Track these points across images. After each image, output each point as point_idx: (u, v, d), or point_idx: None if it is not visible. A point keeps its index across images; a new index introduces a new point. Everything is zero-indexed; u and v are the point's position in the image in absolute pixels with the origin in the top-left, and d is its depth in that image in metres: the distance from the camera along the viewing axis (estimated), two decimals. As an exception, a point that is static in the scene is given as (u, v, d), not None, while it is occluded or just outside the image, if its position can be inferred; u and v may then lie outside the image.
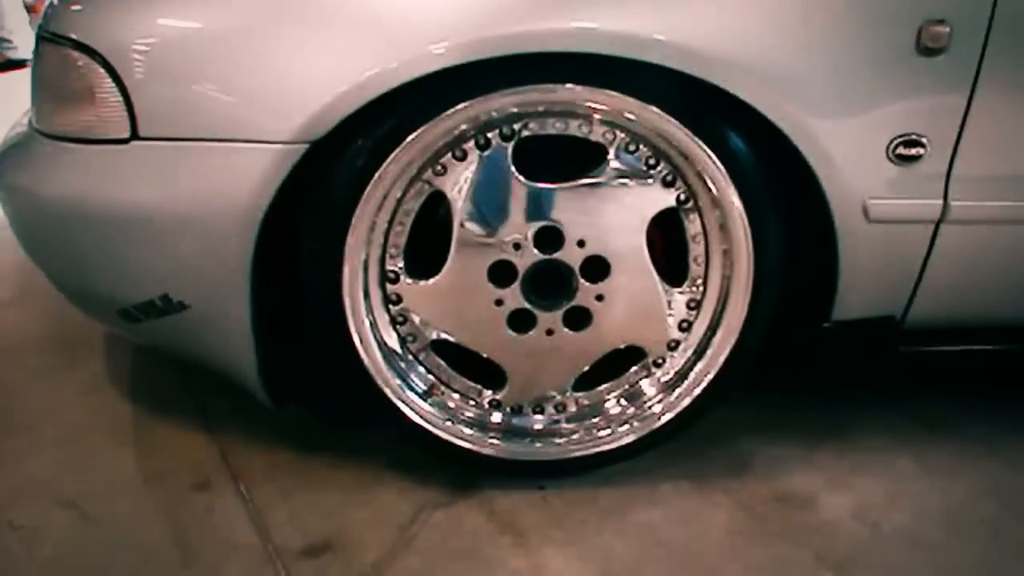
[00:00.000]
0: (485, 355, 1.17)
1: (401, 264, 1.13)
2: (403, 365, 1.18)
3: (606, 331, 1.16)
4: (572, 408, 1.22)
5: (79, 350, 1.63)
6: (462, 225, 1.09)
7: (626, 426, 1.22)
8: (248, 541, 1.18)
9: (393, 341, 1.17)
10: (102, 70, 1.10)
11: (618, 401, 1.21)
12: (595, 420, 1.21)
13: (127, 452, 1.35)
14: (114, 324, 1.34)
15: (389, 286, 1.14)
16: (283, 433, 1.38)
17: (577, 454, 1.22)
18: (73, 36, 1.12)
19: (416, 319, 1.15)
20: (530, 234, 1.09)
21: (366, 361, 1.15)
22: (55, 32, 1.16)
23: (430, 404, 1.20)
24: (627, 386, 1.22)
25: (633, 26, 0.98)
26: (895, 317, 1.22)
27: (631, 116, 1.04)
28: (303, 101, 1.01)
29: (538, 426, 1.22)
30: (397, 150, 1.03)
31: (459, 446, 1.20)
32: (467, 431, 1.20)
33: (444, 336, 1.16)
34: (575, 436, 1.22)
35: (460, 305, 1.14)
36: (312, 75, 1.01)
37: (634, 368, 1.21)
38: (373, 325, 1.14)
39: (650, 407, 1.21)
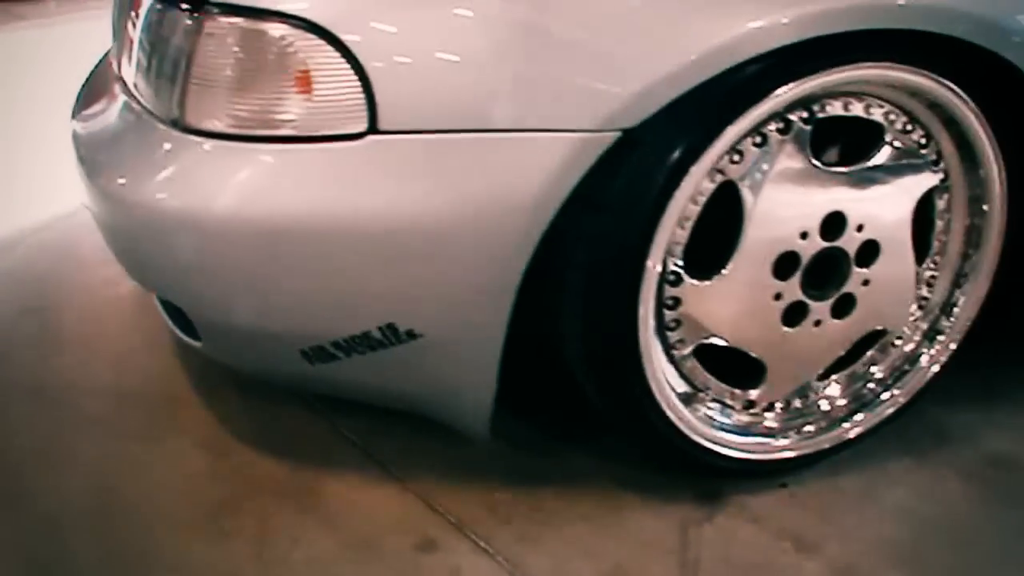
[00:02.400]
0: (754, 354, 1.10)
1: (681, 264, 1.03)
2: (673, 373, 1.08)
3: (865, 315, 1.13)
4: (817, 398, 1.19)
5: (167, 402, 1.33)
6: (752, 216, 1.02)
7: (889, 394, 1.19)
8: (526, 598, 1.03)
9: (659, 349, 1.07)
10: (330, 49, 0.90)
11: (866, 386, 1.20)
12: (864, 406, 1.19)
13: (311, 522, 1.12)
14: (279, 367, 1.11)
15: (668, 288, 1.03)
16: (479, 468, 1.21)
17: (825, 446, 1.19)
18: (278, 8, 0.91)
19: (691, 323, 1.06)
20: (818, 221, 1.05)
21: (648, 374, 1.04)
22: (235, 4, 0.93)
23: (691, 412, 1.11)
24: (862, 370, 1.21)
25: (947, 1, 0.96)
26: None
27: (926, 93, 1.02)
28: (621, 80, 0.89)
29: (787, 421, 1.17)
30: (720, 136, 0.94)
31: (722, 454, 1.13)
32: (735, 438, 1.13)
33: (714, 339, 1.08)
34: (818, 427, 1.19)
35: (741, 303, 1.06)
36: (636, 49, 0.88)
37: (870, 351, 1.20)
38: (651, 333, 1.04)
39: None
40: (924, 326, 1.21)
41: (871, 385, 1.19)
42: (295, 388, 1.28)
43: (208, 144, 0.98)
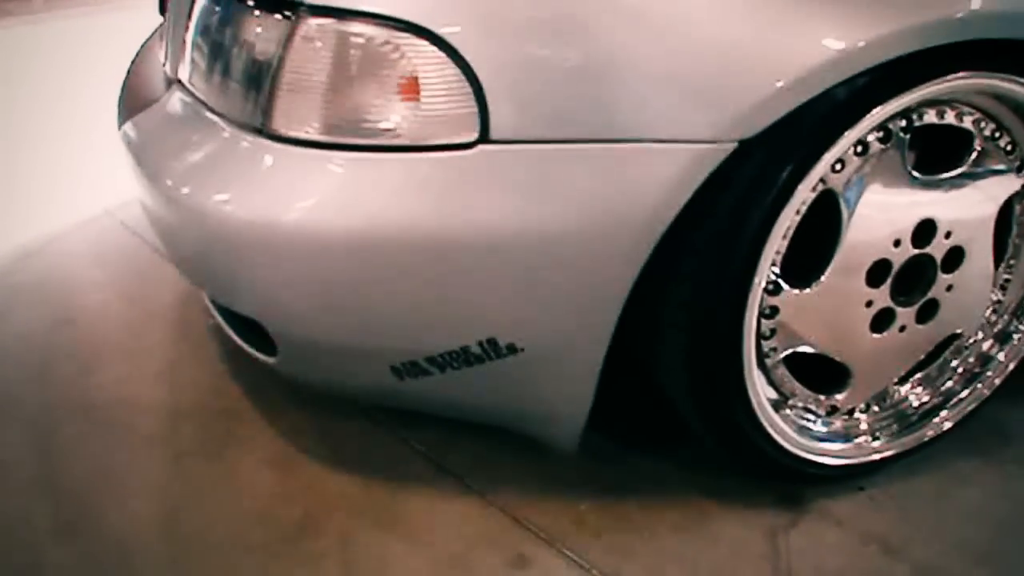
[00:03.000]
0: (840, 360, 1.10)
1: (779, 272, 1.02)
2: (764, 381, 1.07)
3: (946, 320, 1.14)
4: (897, 400, 1.19)
5: (223, 417, 1.28)
6: (850, 224, 1.01)
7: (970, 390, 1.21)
8: (629, 612, 1.01)
9: (754, 357, 1.06)
10: (441, 56, 0.87)
11: (953, 385, 1.21)
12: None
13: (395, 541, 1.09)
14: (365, 384, 1.07)
15: (767, 298, 1.02)
16: (559, 480, 1.19)
17: (909, 446, 1.19)
18: (381, 11, 0.87)
19: (786, 331, 1.05)
20: (911, 229, 1.04)
21: (748, 384, 1.03)
22: (332, 6, 0.89)
23: (781, 418, 1.10)
24: (939, 371, 1.22)
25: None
26: None
27: (1016, 98, 1.02)
28: (742, 89, 0.87)
29: (873, 424, 1.18)
30: (831, 148, 0.93)
31: (813, 461, 1.12)
32: (825, 444, 1.13)
33: (804, 347, 1.08)
34: (902, 428, 1.19)
35: (834, 310, 1.05)
36: (756, 58, 0.86)
37: (946, 352, 1.21)
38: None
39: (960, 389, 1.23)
40: (997, 328, 1.22)
41: (950, 384, 1.21)
42: (370, 402, 1.24)
43: (299, 152, 0.94)
